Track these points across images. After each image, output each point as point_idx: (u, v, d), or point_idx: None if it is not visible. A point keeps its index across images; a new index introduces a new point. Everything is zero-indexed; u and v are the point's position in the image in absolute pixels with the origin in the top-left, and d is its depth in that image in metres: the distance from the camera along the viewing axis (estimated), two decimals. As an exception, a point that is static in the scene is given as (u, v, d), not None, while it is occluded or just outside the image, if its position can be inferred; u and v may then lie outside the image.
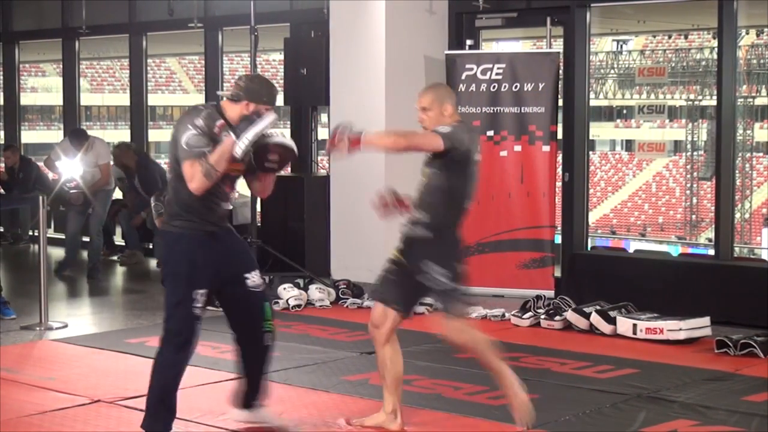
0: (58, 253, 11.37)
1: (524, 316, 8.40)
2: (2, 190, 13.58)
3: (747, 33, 28.59)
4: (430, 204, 5.40)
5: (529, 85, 9.64)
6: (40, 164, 12.93)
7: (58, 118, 33.24)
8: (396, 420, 5.54)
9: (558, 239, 9.89)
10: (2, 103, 15.12)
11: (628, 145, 39.70)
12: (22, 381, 6.52)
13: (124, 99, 27.15)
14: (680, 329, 7.65)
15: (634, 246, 27.78)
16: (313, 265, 10.16)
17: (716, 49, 9.29)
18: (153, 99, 35.80)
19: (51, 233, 12.30)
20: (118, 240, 12.52)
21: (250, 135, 5.04)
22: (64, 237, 11.40)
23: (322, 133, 11.90)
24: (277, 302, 8.77)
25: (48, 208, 9.26)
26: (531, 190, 9.63)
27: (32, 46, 16.01)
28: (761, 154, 35.13)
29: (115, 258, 12.05)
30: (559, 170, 9.86)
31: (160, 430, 5.18)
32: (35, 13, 14.24)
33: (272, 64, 34.09)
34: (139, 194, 11.61)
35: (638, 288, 8.72)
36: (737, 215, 24.16)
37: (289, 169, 9.45)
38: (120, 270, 11.62)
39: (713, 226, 10.55)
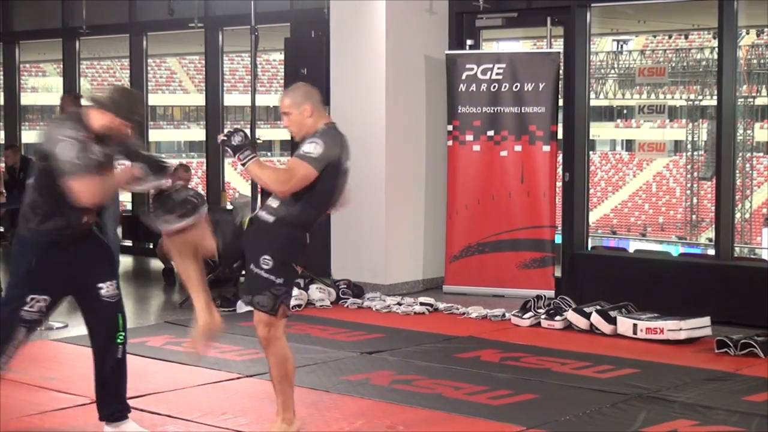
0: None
1: (524, 316, 8.40)
2: (4, 190, 13.54)
3: (747, 33, 28.54)
4: (291, 197, 5.18)
5: (529, 85, 9.65)
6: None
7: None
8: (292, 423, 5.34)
9: (558, 239, 9.89)
10: (3, 103, 15.12)
11: (629, 145, 39.66)
12: (22, 381, 6.51)
13: (124, 99, 27.05)
14: (680, 329, 7.65)
15: (634, 246, 27.75)
16: (313, 265, 10.14)
17: (716, 49, 9.28)
18: (153, 99, 35.83)
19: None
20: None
21: (176, 225, 5.07)
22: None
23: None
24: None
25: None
26: (531, 190, 9.64)
27: (33, 46, 15.98)
28: (761, 154, 35.10)
29: None
30: (560, 170, 9.87)
31: None
32: (35, 13, 14.23)
33: (272, 64, 34.11)
34: None
35: (638, 288, 8.73)
36: (737, 215, 24.20)
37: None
38: (120, 270, 11.60)
39: (713, 226, 10.55)
